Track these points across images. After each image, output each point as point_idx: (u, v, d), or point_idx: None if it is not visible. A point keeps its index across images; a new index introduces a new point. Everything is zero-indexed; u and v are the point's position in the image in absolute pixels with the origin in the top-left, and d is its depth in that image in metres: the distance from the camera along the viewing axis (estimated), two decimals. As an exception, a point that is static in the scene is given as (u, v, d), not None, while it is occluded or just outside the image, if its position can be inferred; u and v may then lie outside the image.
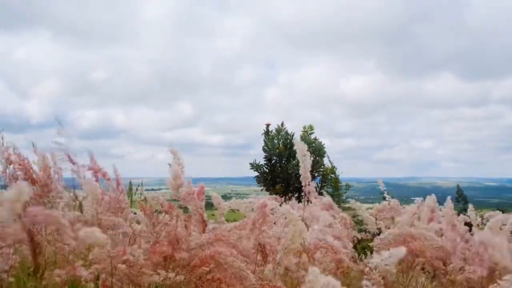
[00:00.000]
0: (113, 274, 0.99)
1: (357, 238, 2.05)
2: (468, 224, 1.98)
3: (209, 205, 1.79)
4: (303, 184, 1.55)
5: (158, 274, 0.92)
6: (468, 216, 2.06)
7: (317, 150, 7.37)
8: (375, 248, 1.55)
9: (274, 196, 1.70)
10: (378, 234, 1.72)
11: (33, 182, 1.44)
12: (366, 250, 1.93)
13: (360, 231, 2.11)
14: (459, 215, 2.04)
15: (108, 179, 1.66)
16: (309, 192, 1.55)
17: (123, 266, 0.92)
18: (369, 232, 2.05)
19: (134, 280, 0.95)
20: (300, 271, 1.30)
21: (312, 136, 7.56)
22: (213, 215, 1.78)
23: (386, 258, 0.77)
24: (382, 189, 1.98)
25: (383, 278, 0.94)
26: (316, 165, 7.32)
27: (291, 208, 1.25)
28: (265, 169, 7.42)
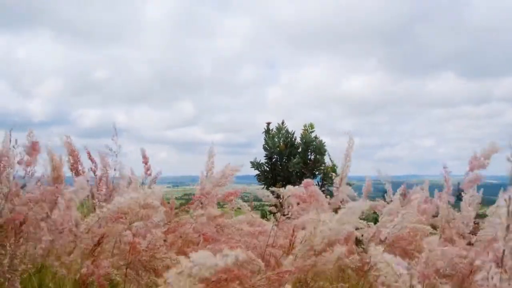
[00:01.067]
0: (129, 265, 1.04)
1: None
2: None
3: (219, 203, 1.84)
4: (336, 185, 1.45)
5: (169, 258, 0.98)
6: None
7: (317, 149, 7.42)
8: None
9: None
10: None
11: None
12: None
13: None
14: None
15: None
16: (342, 199, 1.51)
17: (142, 248, 0.98)
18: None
19: (147, 265, 1.03)
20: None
21: (313, 135, 7.61)
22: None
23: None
24: (385, 186, 2.07)
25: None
26: (317, 164, 7.37)
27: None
28: (265, 167, 7.46)
